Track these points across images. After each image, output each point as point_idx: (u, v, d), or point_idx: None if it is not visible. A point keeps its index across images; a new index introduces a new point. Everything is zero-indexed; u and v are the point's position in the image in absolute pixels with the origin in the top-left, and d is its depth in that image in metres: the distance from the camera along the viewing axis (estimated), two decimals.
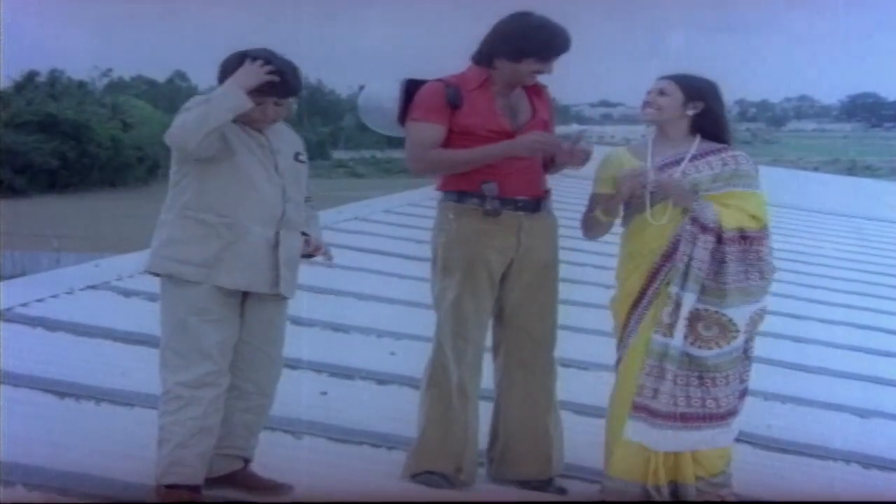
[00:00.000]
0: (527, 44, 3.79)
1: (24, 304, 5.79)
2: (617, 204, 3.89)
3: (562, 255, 4.08)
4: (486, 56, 3.87)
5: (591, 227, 4.00)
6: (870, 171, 59.03)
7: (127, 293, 6.36)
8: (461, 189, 3.87)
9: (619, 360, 3.94)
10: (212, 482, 3.63)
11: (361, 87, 4.17)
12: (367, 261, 8.12)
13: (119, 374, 4.85)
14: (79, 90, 73.01)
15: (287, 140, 3.74)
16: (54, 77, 72.09)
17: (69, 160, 58.17)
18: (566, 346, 4.27)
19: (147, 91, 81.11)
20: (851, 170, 57.83)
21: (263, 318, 3.67)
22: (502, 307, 3.98)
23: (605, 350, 4.22)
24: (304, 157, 3.77)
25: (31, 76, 70.25)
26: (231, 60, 3.59)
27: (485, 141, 3.79)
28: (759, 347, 4.07)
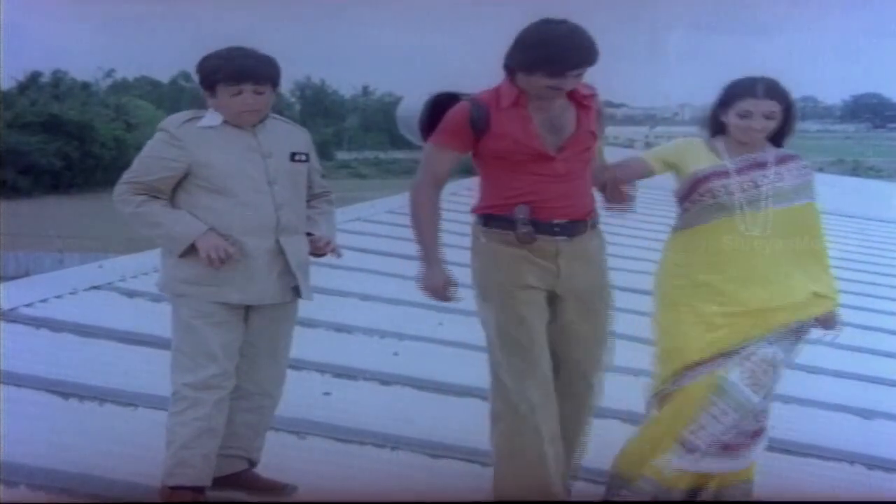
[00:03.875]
0: (536, 56, 3.42)
1: (28, 305, 5.78)
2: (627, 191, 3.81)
3: (615, 263, 3.92)
4: (507, 68, 3.54)
5: (599, 180, 3.79)
6: (874, 172, 59.07)
7: (130, 294, 6.36)
8: (491, 213, 3.62)
9: (666, 392, 3.81)
10: (216, 482, 3.63)
11: (399, 100, 4.15)
12: (371, 262, 8.11)
13: (122, 374, 4.85)
14: (82, 91, 73.17)
15: (282, 139, 3.64)
16: (58, 78, 72.23)
17: (73, 161, 58.32)
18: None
19: (151, 92, 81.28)
20: (855, 170, 57.89)
21: (268, 320, 3.65)
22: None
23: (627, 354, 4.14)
24: (303, 156, 3.68)
25: (34, 77, 70.39)
26: (209, 63, 3.56)
27: (522, 165, 3.53)
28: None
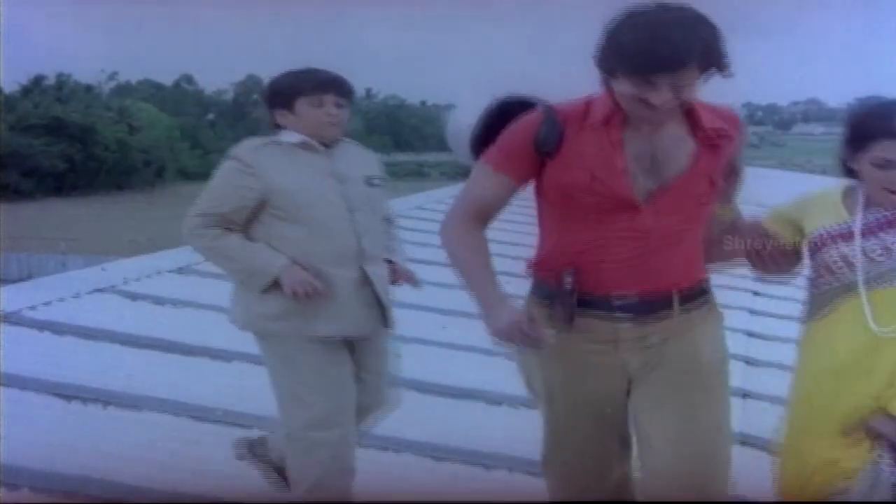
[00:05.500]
0: (613, 53, 2.42)
1: (31, 308, 5.78)
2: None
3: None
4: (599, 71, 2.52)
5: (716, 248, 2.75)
6: None
7: (133, 296, 6.34)
8: (537, 275, 2.72)
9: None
10: None
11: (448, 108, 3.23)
12: None
13: (125, 377, 4.85)
14: (86, 94, 73.40)
15: (356, 163, 3.44)
16: (61, 80, 72.45)
17: (76, 163, 58.43)
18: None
19: (154, 94, 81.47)
20: None
21: (364, 352, 3.46)
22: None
23: None
24: (377, 180, 3.45)
25: (38, 80, 70.62)
26: (283, 80, 3.40)
27: (591, 212, 2.55)
28: (767, 351, 4.05)
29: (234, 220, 3.30)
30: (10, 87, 66.98)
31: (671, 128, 2.53)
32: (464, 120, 2.87)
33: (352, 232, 3.32)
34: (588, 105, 2.56)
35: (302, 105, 3.33)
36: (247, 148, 3.36)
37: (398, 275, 3.51)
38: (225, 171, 3.34)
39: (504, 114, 2.70)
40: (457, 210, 2.69)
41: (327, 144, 3.38)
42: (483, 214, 2.66)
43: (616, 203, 2.52)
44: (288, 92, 3.35)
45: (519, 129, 2.59)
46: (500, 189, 2.63)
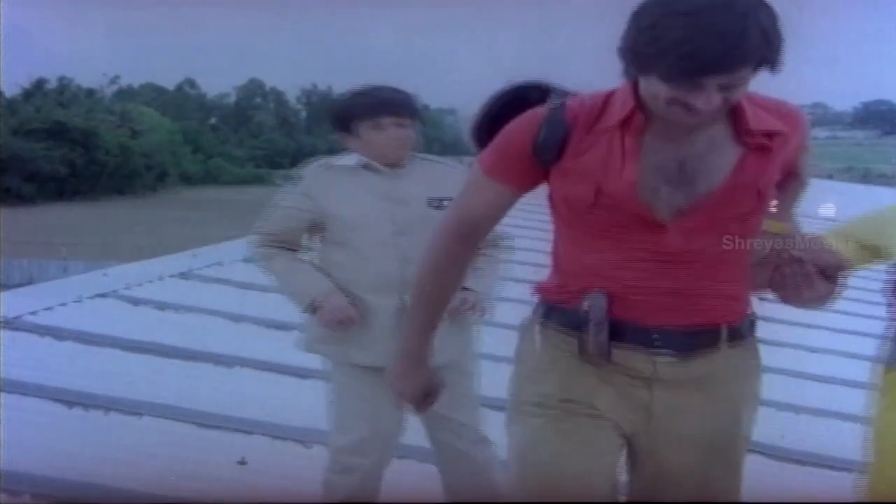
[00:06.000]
0: (647, 47, 1.91)
1: (33, 313, 5.78)
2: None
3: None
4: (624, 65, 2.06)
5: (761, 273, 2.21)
6: (884, 180, 59.07)
7: (135, 302, 6.34)
8: (553, 300, 2.25)
9: None
10: None
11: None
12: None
13: (127, 383, 4.84)
14: (88, 98, 73.54)
15: (424, 183, 3.25)
16: (63, 84, 72.57)
17: (78, 168, 58.54)
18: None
19: (156, 98, 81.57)
20: (866, 178, 57.96)
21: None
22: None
23: None
24: (444, 202, 3.11)
25: (39, 83, 70.72)
26: (341, 104, 3.34)
27: (613, 225, 2.11)
28: (771, 357, 4.02)
29: (288, 239, 3.29)
30: (12, 91, 67.19)
31: (709, 130, 2.06)
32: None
33: (395, 258, 3.17)
34: (604, 101, 2.12)
35: (361, 128, 3.23)
36: (310, 169, 3.32)
37: (464, 305, 3.20)
38: (286, 191, 3.33)
39: (518, 102, 2.24)
40: (445, 222, 2.29)
41: (397, 164, 3.27)
42: (474, 228, 2.27)
43: (634, 220, 2.09)
44: (345, 116, 3.27)
45: (516, 129, 2.17)
46: (493, 198, 2.21)
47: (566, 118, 2.11)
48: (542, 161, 2.13)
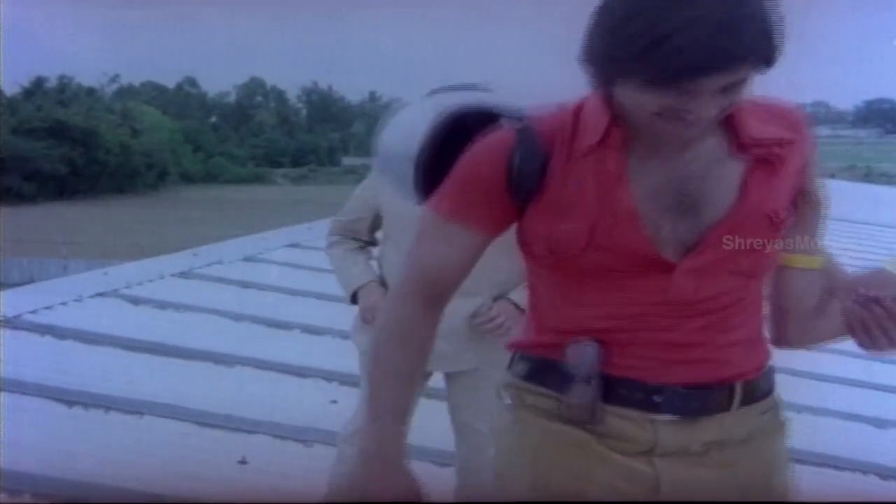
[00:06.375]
0: (623, 48, 1.53)
1: (33, 312, 5.76)
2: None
3: None
4: (588, 66, 1.64)
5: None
6: (886, 178, 59.16)
7: (136, 301, 6.33)
8: (533, 354, 1.85)
9: None
10: None
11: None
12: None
13: (127, 382, 4.82)
14: (88, 96, 73.64)
15: None
16: (63, 83, 72.67)
17: (78, 166, 58.56)
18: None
19: (156, 97, 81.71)
20: (868, 176, 58.02)
21: (456, 387, 3.32)
22: None
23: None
24: None
25: (40, 82, 70.82)
26: None
27: (605, 269, 1.70)
28: (776, 358, 4.01)
29: (355, 229, 3.34)
30: (12, 90, 67.29)
31: (701, 144, 1.66)
32: (404, 137, 1.93)
33: None
34: (574, 116, 1.71)
35: None
36: None
37: (492, 313, 3.09)
38: (362, 182, 3.38)
39: (457, 132, 1.82)
40: (405, 287, 1.84)
41: None
42: (439, 286, 1.82)
43: (635, 262, 1.68)
44: None
45: (480, 160, 1.72)
46: (458, 247, 1.77)
47: (539, 142, 1.70)
48: (518, 195, 1.71)
